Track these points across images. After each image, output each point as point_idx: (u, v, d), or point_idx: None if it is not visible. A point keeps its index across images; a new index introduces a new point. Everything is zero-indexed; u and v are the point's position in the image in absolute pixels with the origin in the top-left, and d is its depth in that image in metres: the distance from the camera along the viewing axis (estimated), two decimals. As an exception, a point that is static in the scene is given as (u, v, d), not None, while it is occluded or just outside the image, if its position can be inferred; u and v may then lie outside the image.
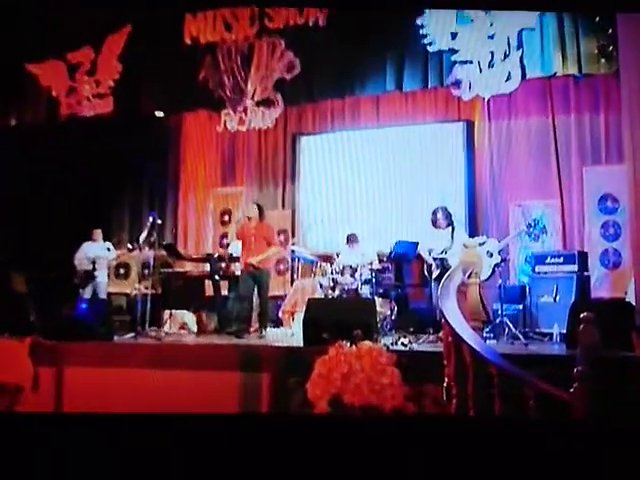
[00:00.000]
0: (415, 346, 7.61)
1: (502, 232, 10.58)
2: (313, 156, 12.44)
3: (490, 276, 8.76)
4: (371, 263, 9.51)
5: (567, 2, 7.18)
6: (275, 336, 9.42)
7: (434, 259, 8.63)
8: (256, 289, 9.20)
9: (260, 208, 9.51)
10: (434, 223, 8.86)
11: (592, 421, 3.58)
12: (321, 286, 9.59)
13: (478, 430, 3.68)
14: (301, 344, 7.64)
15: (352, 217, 11.95)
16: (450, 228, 8.81)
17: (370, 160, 11.98)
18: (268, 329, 9.57)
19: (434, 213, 8.85)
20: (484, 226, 11.08)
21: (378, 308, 8.49)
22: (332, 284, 9.39)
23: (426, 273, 8.73)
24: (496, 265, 8.70)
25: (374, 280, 9.38)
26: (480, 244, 8.48)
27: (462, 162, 11.34)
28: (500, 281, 8.80)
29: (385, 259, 9.70)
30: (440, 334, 6.90)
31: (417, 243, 9.24)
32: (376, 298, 9.01)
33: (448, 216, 8.82)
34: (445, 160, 11.42)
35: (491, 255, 8.69)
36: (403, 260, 9.76)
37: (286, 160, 12.60)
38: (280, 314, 10.37)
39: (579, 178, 10.49)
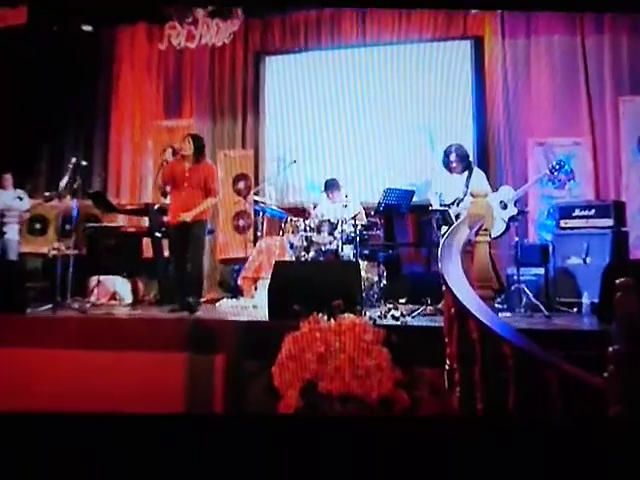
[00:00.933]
0: (409, 320, 7.60)
1: (519, 178, 10.43)
2: (281, 81, 12.13)
3: (503, 232, 8.69)
4: (355, 217, 9.36)
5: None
6: (233, 308, 9.30)
7: (435, 211, 8.61)
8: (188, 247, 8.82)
9: (197, 142, 8.97)
10: (447, 166, 8.82)
11: (630, 413, 3.45)
12: (292, 246, 9.44)
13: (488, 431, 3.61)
14: (266, 318, 7.60)
15: (332, 159, 11.74)
16: (466, 173, 8.73)
17: (354, 87, 11.72)
18: (225, 300, 9.38)
19: (447, 154, 8.77)
20: (497, 170, 10.94)
21: (363, 273, 8.37)
22: (306, 244, 9.26)
23: (434, 225, 8.62)
24: (511, 219, 8.65)
25: (359, 239, 9.22)
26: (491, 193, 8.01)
27: (469, 90, 11.17)
28: (516, 239, 8.75)
29: (373, 212, 9.59)
30: (440, 305, 6.88)
31: (413, 191, 9.26)
32: (361, 261, 8.84)
33: (464, 158, 8.74)
34: (448, 87, 11.31)
35: (505, 206, 8.60)
36: (395, 213, 9.67)
37: (247, 86, 12.34)
38: (240, 281, 10.17)
39: (614, 111, 10.42)
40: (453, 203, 8.53)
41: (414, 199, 9.64)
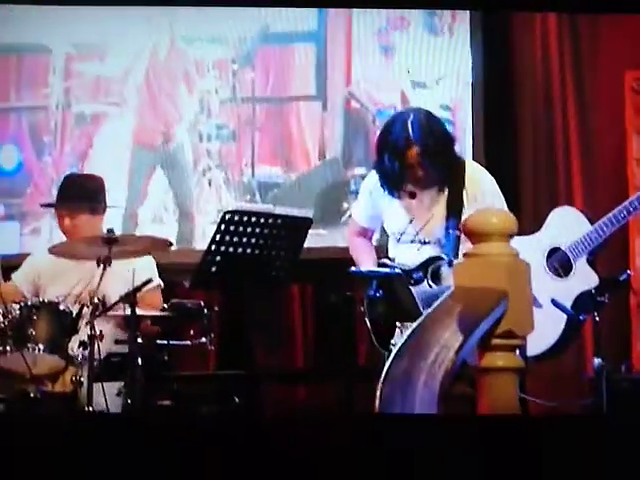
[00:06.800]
0: None
1: (601, 185, 7.19)
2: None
3: (563, 343, 5.40)
4: (134, 294, 5.21)
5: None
6: None
7: (368, 277, 5.42)
8: None
9: None
10: (390, 174, 5.39)
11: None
12: None
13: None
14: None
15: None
16: (444, 192, 5.59)
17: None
18: None
19: (393, 139, 5.37)
20: (533, 168, 7.56)
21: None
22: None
23: (366, 317, 5.37)
24: (583, 302, 5.38)
25: (141, 361, 5.29)
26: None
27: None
28: (597, 361, 5.25)
29: (189, 282, 5.66)
30: None
31: (306, 221, 5.68)
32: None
33: (441, 145, 5.43)
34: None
35: (565, 267, 5.45)
36: (252, 282, 5.45)
37: None
38: None
39: None
40: (426, 268, 5.43)
41: (308, 241, 5.62)
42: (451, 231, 5.18)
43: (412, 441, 2.94)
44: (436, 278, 5.19)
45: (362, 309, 5.39)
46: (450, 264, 5.09)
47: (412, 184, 5.17)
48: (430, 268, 5.21)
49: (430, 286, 5.17)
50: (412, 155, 5.10)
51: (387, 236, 5.43)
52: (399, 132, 5.20)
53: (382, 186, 5.24)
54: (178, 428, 3.14)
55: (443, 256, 5.13)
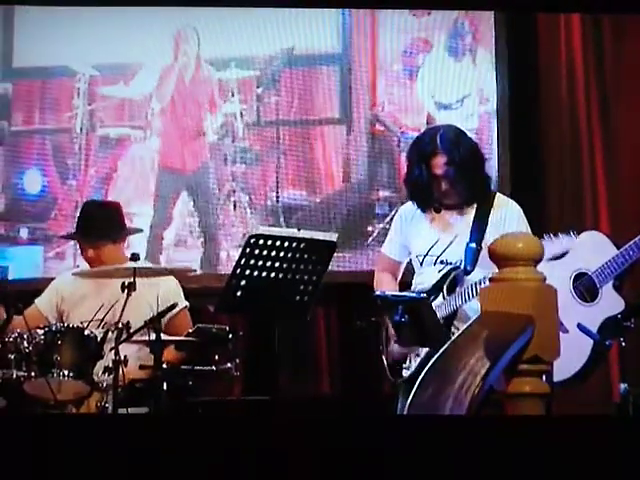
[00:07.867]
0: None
1: (627, 207, 7.09)
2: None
3: (587, 371, 5.29)
4: (159, 318, 5.13)
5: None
6: None
7: (391, 302, 5.19)
8: None
9: None
10: (420, 191, 5.52)
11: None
12: None
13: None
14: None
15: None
16: (471, 211, 5.55)
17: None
18: None
19: (421, 150, 5.49)
20: (558, 192, 7.46)
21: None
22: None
23: (382, 341, 5.29)
24: (608, 331, 5.28)
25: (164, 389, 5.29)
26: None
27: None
28: (624, 386, 5.38)
29: (215, 307, 5.65)
30: None
31: (331, 244, 5.32)
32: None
33: (469, 162, 5.41)
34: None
35: (592, 291, 5.33)
36: (276, 307, 5.23)
37: None
38: None
39: None
40: (442, 285, 5.35)
41: (332, 265, 5.43)
42: (471, 244, 5.26)
43: (416, 441, 2.92)
44: (451, 288, 5.22)
45: (381, 347, 5.32)
46: (465, 272, 5.15)
47: (438, 197, 5.20)
48: (445, 283, 5.24)
49: (444, 298, 5.20)
50: (439, 164, 5.15)
51: (413, 271, 5.39)
52: (427, 142, 5.25)
53: (411, 199, 5.24)
54: (181, 429, 3.07)
55: (459, 265, 5.20)
